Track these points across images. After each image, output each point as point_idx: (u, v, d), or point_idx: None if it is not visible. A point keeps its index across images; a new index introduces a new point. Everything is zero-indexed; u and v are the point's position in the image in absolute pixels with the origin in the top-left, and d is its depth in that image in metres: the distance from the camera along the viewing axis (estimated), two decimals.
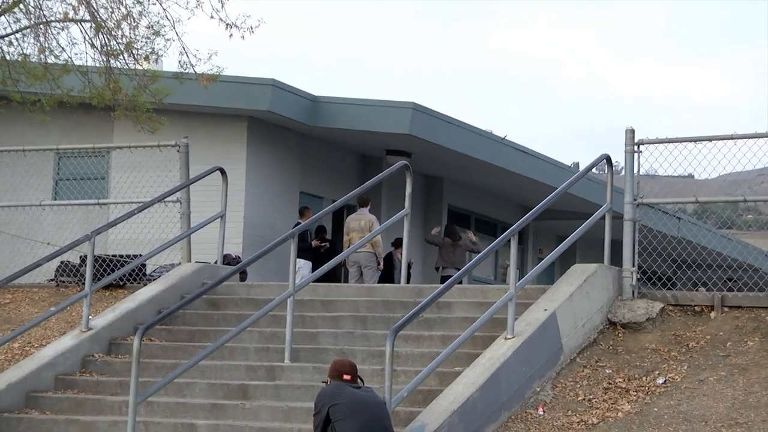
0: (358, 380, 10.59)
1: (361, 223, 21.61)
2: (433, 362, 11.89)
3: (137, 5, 21.30)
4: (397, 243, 22.50)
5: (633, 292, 13.72)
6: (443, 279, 22.27)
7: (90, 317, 14.47)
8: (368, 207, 21.95)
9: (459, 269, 20.88)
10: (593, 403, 11.89)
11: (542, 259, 15.61)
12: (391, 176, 16.88)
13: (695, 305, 13.50)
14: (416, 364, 12.50)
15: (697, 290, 13.79)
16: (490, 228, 30.86)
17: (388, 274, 22.62)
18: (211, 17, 21.26)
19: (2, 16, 21.37)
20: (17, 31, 21.81)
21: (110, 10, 21.33)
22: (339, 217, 24.13)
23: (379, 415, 10.34)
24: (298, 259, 14.53)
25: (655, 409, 11.48)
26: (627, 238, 13.81)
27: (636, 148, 13.83)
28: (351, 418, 10.12)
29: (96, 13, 21.26)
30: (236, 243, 22.00)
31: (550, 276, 15.45)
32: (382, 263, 22.19)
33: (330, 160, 26.08)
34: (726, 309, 13.30)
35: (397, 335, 11.00)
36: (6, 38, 21.71)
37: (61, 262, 16.91)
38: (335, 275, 20.94)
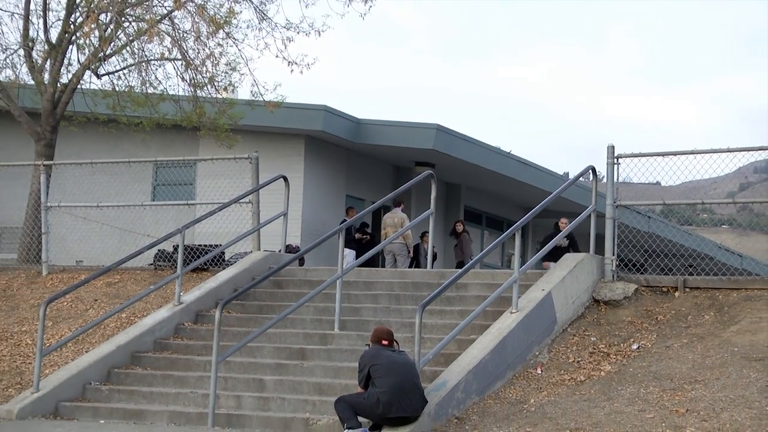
0: (394, 344, 10.60)
1: (395, 219, 21.66)
2: (452, 331, 11.89)
3: (218, 47, 21.42)
4: (424, 236, 22.56)
5: (613, 276, 13.69)
6: (459, 265, 22.31)
7: (181, 294, 14.52)
8: (401, 207, 22.02)
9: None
10: (581, 364, 11.88)
11: (539, 250, 15.62)
12: (418, 183, 16.89)
13: (663, 286, 13.47)
14: (439, 332, 12.48)
15: (664, 275, 13.73)
16: (498, 224, 30.83)
17: (416, 261, 22.67)
18: (276, 56, 21.43)
19: (113, 57, 21.47)
20: (124, 68, 21.93)
21: (197, 51, 21.43)
22: (377, 215, 24.14)
23: (410, 373, 10.35)
24: (344, 249, 14.53)
25: (631, 369, 11.44)
26: (608, 233, 13.80)
27: (615, 160, 13.85)
28: (388, 376, 10.12)
29: (186, 54, 21.34)
30: (296, 236, 22.00)
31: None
32: (411, 252, 22.22)
33: (370, 169, 26.12)
34: (687, 290, 13.27)
35: (424, 310, 11.03)
36: (116, 74, 21.83)
37: (159, 250, 16.96)
38: (374, 262, 20.94)
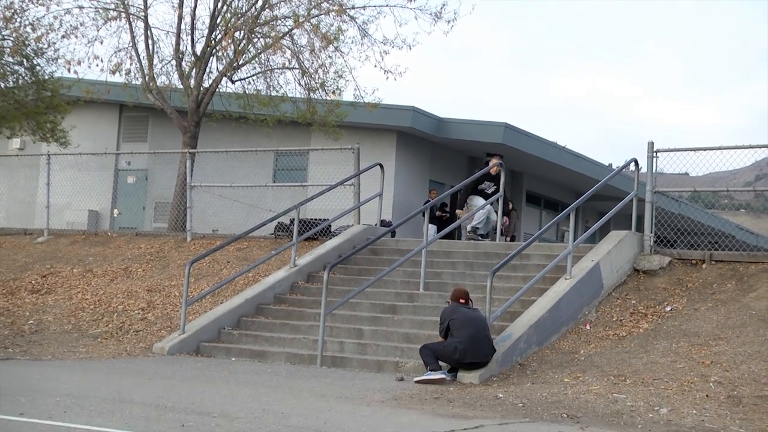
0: (469, 303, 10.53)
1: (471, 201, 21.54)
2: (517, 293, 11.78)
3: (328, 58, 21.49)
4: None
5: (651, 250, 13.39)
6: (510, 239, 22.10)
7: (296, 258, 14.57)
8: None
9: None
10: (623, 322, 11.67)
11: (589, 227, 15.38)
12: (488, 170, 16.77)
13: (692, 259, 13.14)
14: (506, 294, 12.35)
15: (693, 250, 13.43)
16: (554, 206, 30.40)
17: (487, 235, 22.48)
18: (375, 66, 21.48)
19: (244, 66, 21.65)
20: (253, 75, 22.09)
21: (311, 61, 21.55)
22: (455, 196, 24.01)
23: (482, 326, 10.27)
24: (428, 224, 14.47)
25: (664, 328, 11.21)
26: (647, 214, 13.52)
27: (654, 154, 13.54)
28: (464, 328, 10.06)
29: (302, 64, 21.46)
30: (388, 213, 21.99)
31: (592, 239, 15.22)
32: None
33: (449, 159, 25.96)
34: (713, 262, 12.93)
35: (494, 275, 10.94)
36: (246, 80, 22.01)
37: (278, 223, 17.04)
38: (452, 235, 20.81)
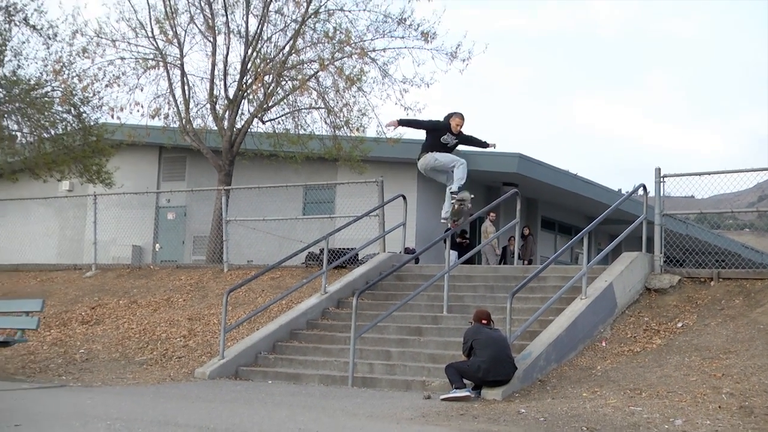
0: (491, 323, 10.48)
1: (488, 228, 21.51)
2: (535, 314, 11.71)
3: (352, 98, 21.60)
4: (511, 240, 22.28)
5: (661, 269, 13.28)
6: (528, 263, 22.01)
7: (326, 285, 14.56)
8: (491, 217, 21.80)
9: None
10: (637, 339, 11.55)
11: (601, 250, 15.29)
12: (504, 197, 16.74)
13: (701, 277, 13.01)
14: (525, 314, 12.26)
15: (701, 268, 13.30)
16: (568, 230, 30.27)
17: (504, 260, 22.44)
18: (395, 103, 21.70)
19: (273, 107, 21.80)
20: (282, 116, 22.25)
21: (336, 101, 21.68)
22: (473, 224, 23.97)
23: (504, 346, 10.20)
24: (450, 250, 14.42)
25: (677, 343, 11.08)
26: (656, 236, 13.42)
27: (661, 179, 13.47)
28: (486, 348, 9.99)
29: (328, 104, 21.59)
30: (411, 240, 21.95)
31: (605, 260, 15.08)
32: (500, 252, 22.09)
33: (467, 189, 25.86)
34: (721, 279, 12.81)
35: (513, 297, 10.88)
36: (275, 120, 22.16)
37: (309, 252, 17.06)
38: (472, 260, 20.76)
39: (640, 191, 14.06)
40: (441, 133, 13.05)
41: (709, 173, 13.23)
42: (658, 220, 13.51)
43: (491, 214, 21.53)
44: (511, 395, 10.05)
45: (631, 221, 14.12)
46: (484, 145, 13.51)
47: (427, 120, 13.47)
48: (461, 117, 13.10)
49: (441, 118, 13.23)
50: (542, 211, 28.43)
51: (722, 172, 13.13)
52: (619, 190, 31.29)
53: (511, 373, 10.14)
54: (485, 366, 9.91)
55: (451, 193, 13.46)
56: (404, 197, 16.69)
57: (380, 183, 17.12)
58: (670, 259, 13.64)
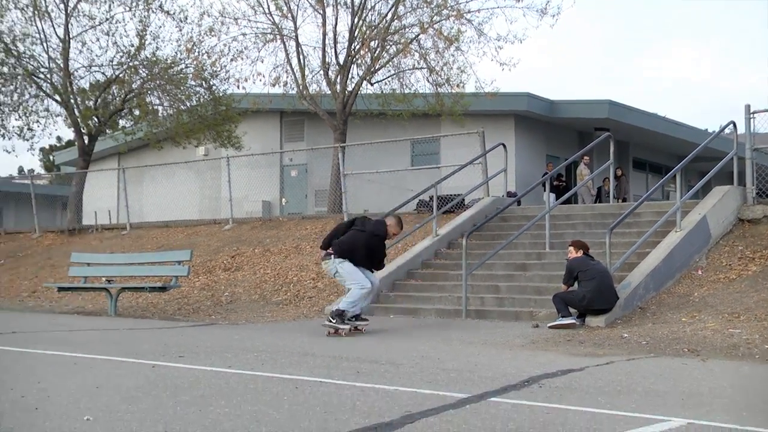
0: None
1: (583, 170, 21.04)
2: (632, 247, 11.43)
3: (451, 57, 21.35)
4: (605, 180, 21.76)
5: (753, 201, 12.73)
6: (622, 201, 21.45)
7: (437, 229, 14.56)
8: (585, 161, 21.32)
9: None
10: (732, 266, 11.15)
11: (692, 187, 14.76)
12: (597, 141, 16.30)
13: None
14: (621, 248, 11.97)
15: None
16: (658, 169, 29.30)
17: (599, 199, 21.97)
18: (491, 60, 21.62)
19: (380, 70, 21.73)
20: (388, 77, 22.12)
21: (436, 60, 21.45)
22: (569, 167, 23.52)
23: (607, 276, 10.01)
24: (548, 192, 14.20)
25: None
26: (748, 170, 12.86)
27: (751, 115, 12.86)
28: (591, 279, 9.82)
29: (429, 64, 21.39)
30: (512, 185, 21.72)
31: (695, 196, 14.52)
32: (595, 193, 21.64)
33: (561, 135, 25.39)
34: None
35: (611, 232, 10.65)
36: (382, 81, 22.09)
37: (419, 200, 17.05)
38: (569, 201, 20.38)
39: (730, 128, 13.47)
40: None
41: None
42: (749, 154, 12.93)
43: (585, 157, 21.04)
44: (614, 322, 9.89)
45: (720, 159, 13.56)
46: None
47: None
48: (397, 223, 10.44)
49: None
50: (633, 152, 27.63)
51: None
52: (706, 130, 29.99)
53: (613, 302, 9.96)
54: (590, 295, 9.75)
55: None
56: (504, 146, 16.46)
57: (482, 134, 16.93)
58: (762, 191, 13.07)
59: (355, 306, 9.73)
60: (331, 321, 9.56)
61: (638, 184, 27.43)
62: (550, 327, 9.84)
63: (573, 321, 9.80)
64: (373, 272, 10.16)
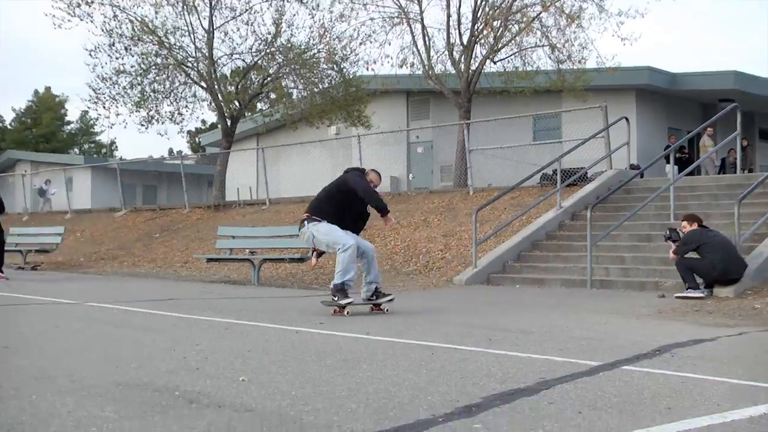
0: None
1: (706, 142, 20.09)
2: (763, 218, 10.84)
3: (572, 34, 20.77)
4: (730, 151, 20.70)
5: None
6: (748, 171, 20.33)
7: (561, 201, 14.27)
8: (707, 133, 20.34)
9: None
10: None
11: None
12: (723, 113, 15.50)
13: None
14: (750, 219, 11.39)
15: None
16: None
17: (723, 170, 20.94)
18: (612, 35, 21.08)
19: (502, 49, 21.35)
20: (510, 56, 21.76)
21: (558, 38, 20.92)
22: (691, 139, 22.49)
23: (732, 246, 9.56)
24: (672, 164, 13.63)
25: None
26: None
27: None
28: (718, 251, 9.38)
29: (551, 41, 20.88)
30: (633, 158, 21.01)
31: None
32: (719, 164, 20.59)
33: (683, 107, 24.29)
34: None
35: (740, 202, 10.11)
36: (505, 60, 21.73)
37: (543, 174, 16.71)
38: (692, 173, 19.54)
39: None
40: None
41: None
42: None
43: (709, 129, 20.07)
44: (743, 293, 9.41)
45: None
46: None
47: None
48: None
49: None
50: (759, 123, 26.13)
51: None
52: None
53: (742, 272, 9.49)
54: (720, 266, 9.32)
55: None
56: (627, 119, 15.93)
57: (604, 108, 16.45)
58: None
59: (348, 274, 7.88)
60: (334, 299, 7.97)
61: (765, 155, 25.95)
62: (677, 297, 9.47)
63: (701, 295, 9.39)
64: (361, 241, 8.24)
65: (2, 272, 13.85)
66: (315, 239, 8.09)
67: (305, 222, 8.15)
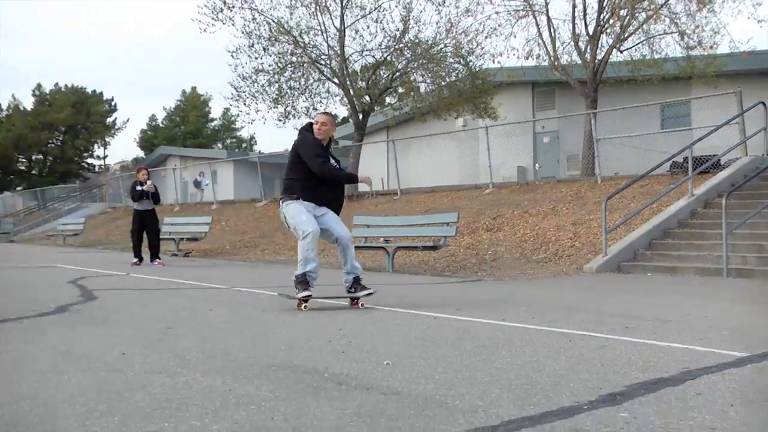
0: None
1: None
2: None
3: (703, 19, 19.79)
4: None
5: None
6: None
7: (693, 189, 13.61)
8: None
9: None
10: None
11: None
12: None
13: None
14: None
15: None
16: None
17: None
18: (747, 18, 19.50)
19: (629, 37, 20.57)
20: (638, 44, 20.97)
21: (688, 24, 19.99)
22: None
23: None
24: None
25: None
26: None
27: None
28: None
29: (680, 27, 19.97)
30: None
31: None
32: None
33: None
34: None
35: None
36: (632, 48, 20.96)
37: (673, 162, 16.01)
38: None
39: None
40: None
41: None
42: None
43: None
44: None
45: None
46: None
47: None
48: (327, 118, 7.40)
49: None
50: None
51: None
52: None
53: None
54: None
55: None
56: (765, 104, 14.98)
57: (738, 93, 15.54)
58: None
59: (308, 264, 6.82)
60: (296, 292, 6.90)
61: None
62: None
63: None
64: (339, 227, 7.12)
65: (159, 258, 14.65)
66: (287, 222, 6.98)
67: (280, 203, 7.10)
